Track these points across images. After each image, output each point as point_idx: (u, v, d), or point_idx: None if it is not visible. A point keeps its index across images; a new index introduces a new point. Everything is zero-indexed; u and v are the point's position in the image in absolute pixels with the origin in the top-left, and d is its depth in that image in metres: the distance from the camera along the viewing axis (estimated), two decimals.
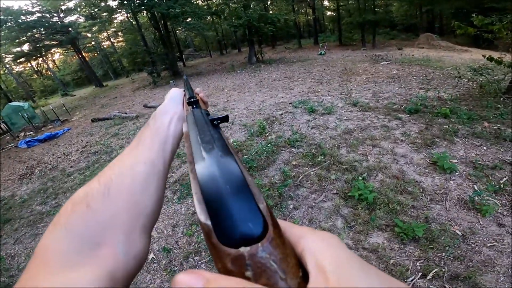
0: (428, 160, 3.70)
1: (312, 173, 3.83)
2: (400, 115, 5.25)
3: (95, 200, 0.34)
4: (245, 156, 4.59)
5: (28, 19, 24.66)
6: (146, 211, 0.37)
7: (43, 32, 27.23)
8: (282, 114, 6.45)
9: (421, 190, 3.15)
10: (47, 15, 26.39)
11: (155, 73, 19.80)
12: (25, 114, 13.83)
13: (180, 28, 27.01)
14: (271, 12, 23.66)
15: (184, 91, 0.64)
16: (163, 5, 15.69)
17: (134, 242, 0.35)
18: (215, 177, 0.23)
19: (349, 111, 5.95)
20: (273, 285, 0.17)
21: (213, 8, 21.38)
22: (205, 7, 22.47)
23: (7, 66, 34.29)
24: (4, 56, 30.85)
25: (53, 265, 0.28)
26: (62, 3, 26.21)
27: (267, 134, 5.38)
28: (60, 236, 0.31)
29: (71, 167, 6.53)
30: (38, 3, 25.51)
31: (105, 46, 39.61)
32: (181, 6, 16.56)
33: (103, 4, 21.52)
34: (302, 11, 37.46)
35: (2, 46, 28.20)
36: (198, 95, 0.62)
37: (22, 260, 3.47)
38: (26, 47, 29.80)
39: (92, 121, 11.14)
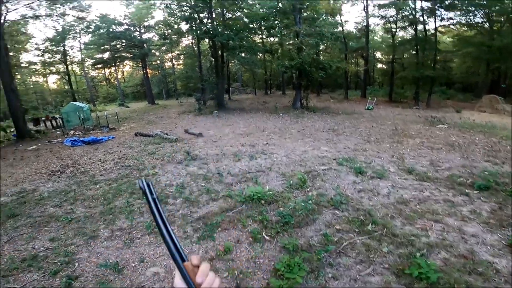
0: (504, 242, 3.51)
1: (358, 241, 3.70)
2: (467, 191, 5.05)
3: None
4: (281, 209, 4.58)
5: (116, 30, 29.48)
6: None
7: (123, 44, 32.19)
8: (325, 169, 6.44)
9: (494, 271, 3.00)
10: (131, 28, 31.13)
11: (202, 101, 21.68)
12: (81, 115, 15.81)
13: (233, 61, 29.93)
14: (321, 57, 24.70)
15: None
16: (224, 35, 17.86)
17: None
18: None
19: (404, 179, 5.78)
20: None
21: (268, 47, 23.27)
22: (259, 44, 24.62)
23: (85, 69, 40.11)
24: (86, 59, 37.06)
25: None
26: (146, 20, 31.08)
27: (308, 189, 5.36)
28: None
29: (101, 175, 7.01)
30: (129, 15, 30.34)
31: (166, 67, 44.60)
32: (240, 39, 18.87)
33: (176, 26, 25.62)
34: (353, 61, 38.58)
35: (87, 50, 34.27)
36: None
37: (3, 262, 3.60)
38: (106, 55, 35.17)
39: (135, 134, 12.32)
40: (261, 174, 6.37)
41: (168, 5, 20.82)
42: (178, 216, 4.57)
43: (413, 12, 23.17)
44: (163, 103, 32.06)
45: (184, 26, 25.35)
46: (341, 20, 29.64)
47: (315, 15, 20.10)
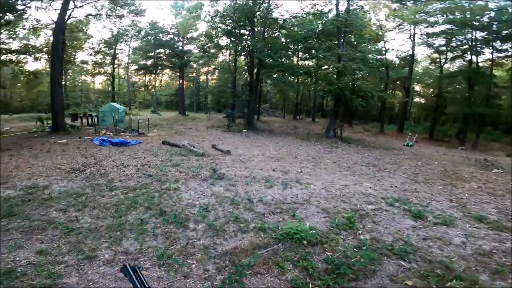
0: None
1: None
2: None
3: None
4: (328, 254, 3.66)
5: (162, 38, 31.51)
6: None
7: (166, 52, 34.15)
8: (374, 209, 5.44)
9: None
10: (176, 38, 33.14)
11: (232, 118, 21.55)
12: (116, 116, 16.36)
13: (267, 82, 30.23)
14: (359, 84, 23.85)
15: None
16: (264, 52, 17.81)
17: None
18: None
19: (475, 227, 4.84)
20: None
21: (305, 69, 23.01)
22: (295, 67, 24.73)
23: (129, 73, 43.31)
24: (131, 64, 39.67)
25: None
26: (190, 31, 32.54)
27: (359, 231, 4.39)
28: None
29: (120, 181, 6.51)
30: (176, 25, 31.98)
31: (201, 80, 46.36)
32: (279, 58, 18.77)
33: (216, 40, 26.58)
34: (389, 91, 36.98)
35: (134, 55, 36.73)
36: None
37: None
38: (149, 62, 37.46)
39: (163, 143, 12.16)
40: (298, 206, 5.46)
41: (213, 17, 21.12)
42: (198, 247, 3.69)
43: (469, 42, 21.74)
44: (193, 115, 32.44)
45: (223, 41, 26.29)
46: (384, 47, 28.72)
47: (360, 40, 19.43)
